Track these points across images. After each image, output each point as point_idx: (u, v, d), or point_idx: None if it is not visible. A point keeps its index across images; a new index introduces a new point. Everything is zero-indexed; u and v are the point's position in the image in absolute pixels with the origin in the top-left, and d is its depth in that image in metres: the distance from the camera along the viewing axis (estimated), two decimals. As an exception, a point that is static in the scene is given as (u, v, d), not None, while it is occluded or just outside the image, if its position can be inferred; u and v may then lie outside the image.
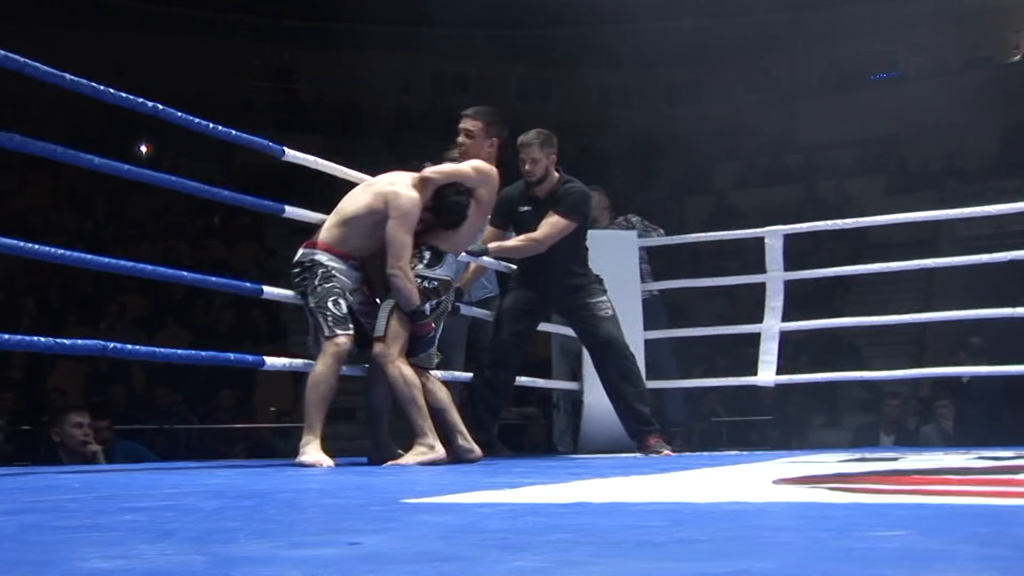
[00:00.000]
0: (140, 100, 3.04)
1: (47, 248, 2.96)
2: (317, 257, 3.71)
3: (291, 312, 11.25)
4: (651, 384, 5.53)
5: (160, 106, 3.07)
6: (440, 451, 3.57)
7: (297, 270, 3.73)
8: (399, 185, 3.72)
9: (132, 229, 11.19)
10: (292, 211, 3.89)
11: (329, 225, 3.77)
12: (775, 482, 2.06)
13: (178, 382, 8.23)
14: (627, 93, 17.81)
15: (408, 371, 3.65)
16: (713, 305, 11.01)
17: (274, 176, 11.29)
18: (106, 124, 11.29)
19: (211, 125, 3.27)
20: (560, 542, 1.06)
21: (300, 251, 3.76)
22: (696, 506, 1.48)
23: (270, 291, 3.84)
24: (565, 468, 3.15)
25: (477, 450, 3.77)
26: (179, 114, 3.16)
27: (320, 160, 4.01)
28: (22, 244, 2.83)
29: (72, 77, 2.82)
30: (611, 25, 15.63)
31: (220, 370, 7.91)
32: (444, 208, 3.78)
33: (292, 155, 3.83)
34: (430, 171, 3.88)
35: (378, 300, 3.83)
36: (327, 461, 3.45)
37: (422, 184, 3.76)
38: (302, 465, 3.43)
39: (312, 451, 3.47)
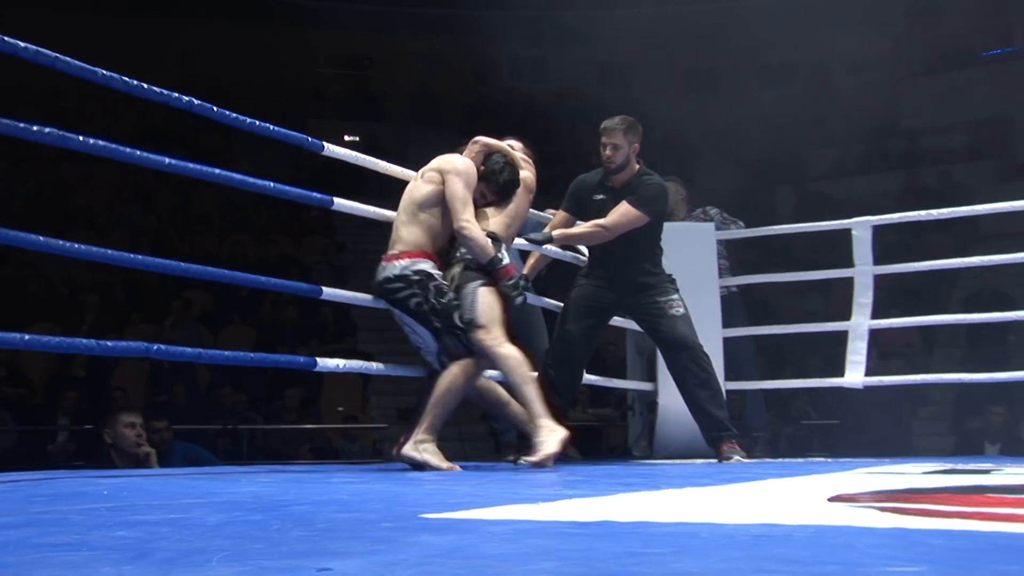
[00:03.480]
0: (175, 95, 3.07)
1: (102, 250, 3.01)
2: (422, 266, 3.68)
3: (361, 309, 11.38)
4: (730, 386, 5.48)
5: (196, 100, 3.09)
6: (560, 428, 3.57)
7: (399, 284, 3.69)
8: (447, 156, 3.84)
9: (198, 224, 11.42)
10: (341, 204, 3.92)
11: (406, 224, 3.76)
12: (830, 499, 1.99)
13: (243, 381, 8.36)
14: (714, 77, 17.57)
15: (517, 351, 3.63)
16: (805, 301, 10.82)
17: (344, 168, 11.43)
18: (174, 114, 11.52)
19: (248, 120, 3.29)
20: (536, 572, 1.02)
21: (398, 263, 3.70)
22: (719, 529, 1.44)
23: (330, 292, 3.88)
24: (624, 477, 3.11)
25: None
26: (214, 108, 3.18)
27: (360, 155, 4.02)
28: (80, 247, 2.88)
29: (105, 72, 2.86)
30: (692, 4, 15.48)
31: (285, 369, 8.02)
32: (493, 174, 3.86)
33: (331, 150, 3.85)
34: (477, 137, 4.00)
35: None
36: (447, 465, 3.55)
37: (471, 147, 3.90)
38: (426, 465, 3.50)
39: (433, 451, 3.55)
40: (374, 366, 4.16)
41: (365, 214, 4.06)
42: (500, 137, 4.08)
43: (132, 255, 3.21)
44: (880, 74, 16.39)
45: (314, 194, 3.86)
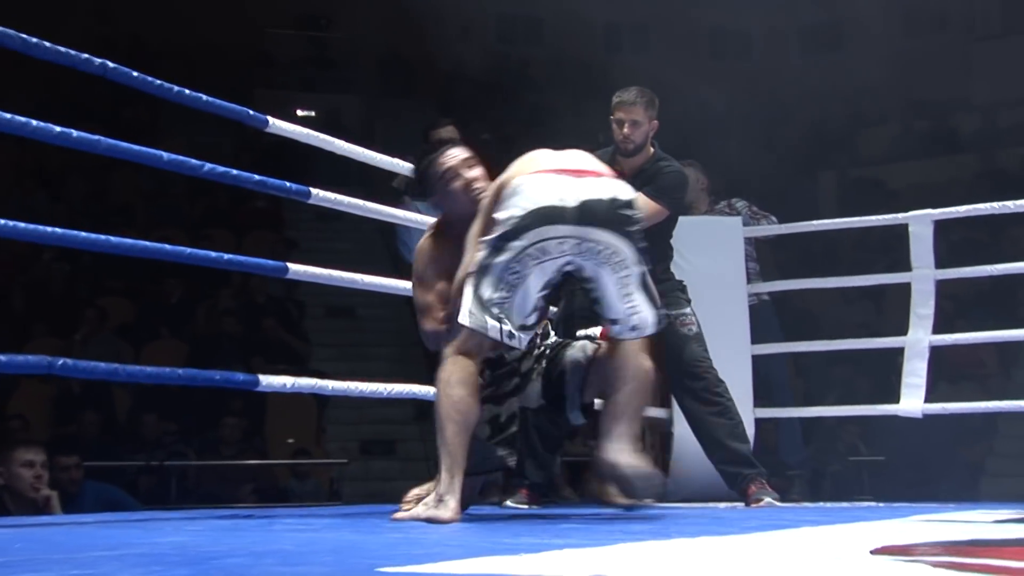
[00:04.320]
0: (86, 57, 3.07)
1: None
2: None
3: (316, 320, 11.48)
4: (760, 413, 5.49)
5: (109, 63, 3.09)
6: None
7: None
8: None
9: (116, 215, 11.38)
10: (320, 196, 3.96)
11: None
12: (874, 551, 2.00)
13: (170, 407, 8.34)
14: (747, 39, 17.59)
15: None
16: (854, 311, 10.86)
17: (294, 148, 11.43)
18: (89, 81, 11.51)
19: (176, 89, 3.30)
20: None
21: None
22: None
23: (299, 271, 3.93)
24: (628, 523, 3.11)
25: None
26: (134, 74, 3.19)
27: (314, 133, 4.04)
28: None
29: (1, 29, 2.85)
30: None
31: (223, 393, 8.01)
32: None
33: (277, 126, 3.87)
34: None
35: None
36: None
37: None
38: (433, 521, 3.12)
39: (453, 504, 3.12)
40: (330, 386, 4.16)
41: (354, 210, 4.08)
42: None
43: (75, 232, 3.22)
44: (947, 36, 16.46)
45: (289, 184, 3.89)
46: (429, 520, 3.07)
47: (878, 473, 8.43)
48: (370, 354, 10.86)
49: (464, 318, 3.09)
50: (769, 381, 5.86)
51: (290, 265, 3.98)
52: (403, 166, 4.60)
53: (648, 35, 17.31)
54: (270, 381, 3.77)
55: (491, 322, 3.05)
